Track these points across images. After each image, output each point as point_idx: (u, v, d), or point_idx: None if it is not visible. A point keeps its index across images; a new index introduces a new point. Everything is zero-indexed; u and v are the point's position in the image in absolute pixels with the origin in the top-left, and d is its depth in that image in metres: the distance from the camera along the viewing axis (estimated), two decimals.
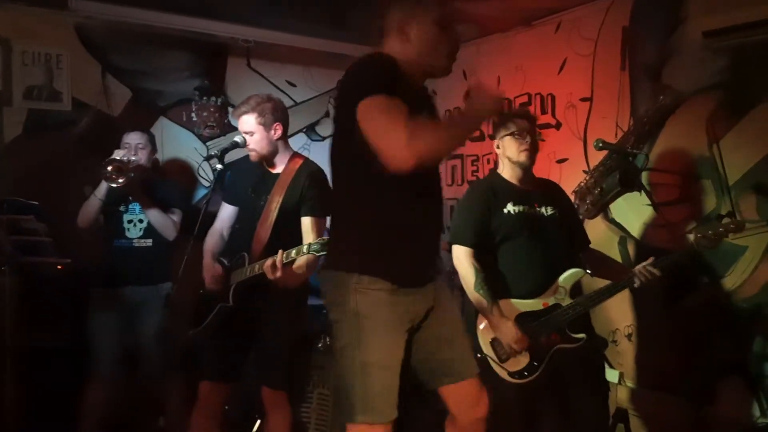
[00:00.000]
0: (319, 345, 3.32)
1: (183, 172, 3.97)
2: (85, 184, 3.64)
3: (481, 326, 2.53)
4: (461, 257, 2.57)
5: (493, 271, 2.55)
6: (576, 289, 2.55)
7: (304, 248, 2.30)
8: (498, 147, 2.65)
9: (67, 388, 3.20)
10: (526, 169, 2.60)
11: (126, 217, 3.25)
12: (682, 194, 3.01)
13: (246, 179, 2.61)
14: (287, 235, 2.50)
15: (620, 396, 3.16)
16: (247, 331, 2.57)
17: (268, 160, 2.62)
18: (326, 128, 4.49)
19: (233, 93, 4.13)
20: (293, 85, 4.33)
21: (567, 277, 2.52)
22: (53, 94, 3.66)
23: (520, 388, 2.46)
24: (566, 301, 2.49)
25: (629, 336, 3.20)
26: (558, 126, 3.62)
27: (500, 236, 2.55)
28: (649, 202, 2.84)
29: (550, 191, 2.71)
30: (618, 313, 3.23)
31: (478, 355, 2.52)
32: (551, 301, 2.49)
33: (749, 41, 2.71)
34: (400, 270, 1.73)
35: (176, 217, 3.25)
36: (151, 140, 3.38)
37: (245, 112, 2.56)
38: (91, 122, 3.71)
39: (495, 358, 2.48)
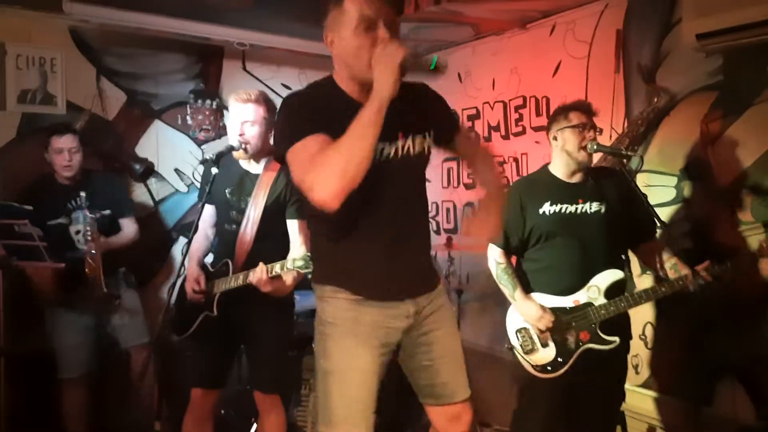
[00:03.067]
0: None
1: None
2: None
3: (508, 317, 2.55)
4: (490, 256, 2.58)
5: (527, 270, 2.55)
6: (615, 289, 2.45)
7: (288, 264, 2.29)
8: (555, 138, 2.53)
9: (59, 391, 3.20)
10: (584, 164, 2.50)
11: (72, 229, 3.20)
12: (677, 196, 3.02)
13: (225, 178, 2.52)
14: (271, 237, 2.48)
15: None
16: (233, 338, 2.56)
17: (255, 156, 2.53)
18: None
19: (228, 96, 4.06)
20: (288, 88, 4.33)
21: (602, 276, 2.43)
22: (47, 97, 3.66)
23: (548, 383, 2.45)
24: (599, 301, 2.42)
25: None
26: None
27: (535, 237, 2.50)
28: (645, 204, 2.84)
29: (603, 181, 2.56)
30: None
31: (506, 347, 2.55)
32: (583, 299, 2.43)
33: (742, 43, 2.71)
34: (359, 281, 1.70)
35: (132, 225, 3.35)
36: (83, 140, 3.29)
37: (252, 101, 2.47)
38: (85, 125, 3.70)
39: (519, 348, 2.49)
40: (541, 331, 2.45)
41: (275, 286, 2.35)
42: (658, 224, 2.50)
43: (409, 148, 1.71)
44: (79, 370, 3.17)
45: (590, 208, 2.49)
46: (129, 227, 3.36)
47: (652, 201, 2.90)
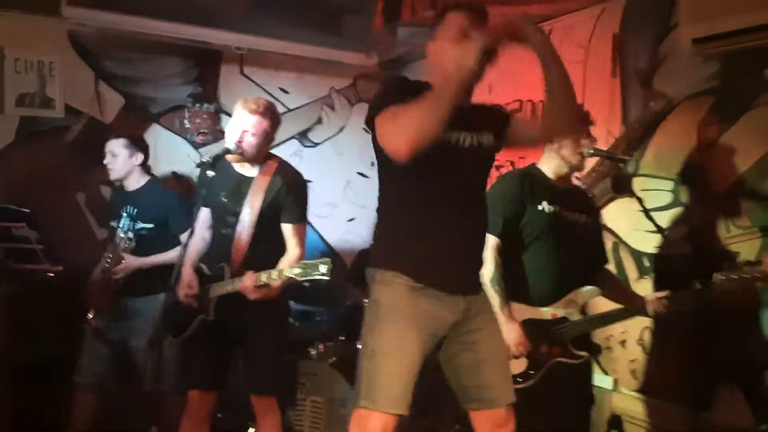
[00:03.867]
0: (313, 352, 3.31)
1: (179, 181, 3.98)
2: (77, 190, 3.66)
3: None
4: (487, 246, 2.50)
5: (513, 270, 2.50)
6: (591, 306, 2.49)
7: (286, 272, 2.30)
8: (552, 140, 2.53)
9: (58, 395, 3.19)
10: (576, 168, 2.52)
11: (118, 233, 3.21)
12: (673, 200, 3.02)
13: (221, 182, 2.52)
14: (267, 241, 2.49)
15: (615, 403, 3.17)
16: (229, 340, 2.57)
17: (250, 161, 2.53)
18: (318, 134, 4.51)
19: (226, 100, 4.15)
20: (286, 92, 4.34)
21: (583, 293, 2.45)
22: (46, 101, 3.67)
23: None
24: (575, 317, 2.43)
25: (623, 342, 3.19)
26: None
27: (528, 234, 2.49)
28: (641, 208, 2.85)
29: (582, 198, 2.64)
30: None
31: None
32: (560, 314, 2.44)
33: (738, 48, 2.72)
34: (421, 268, 1.80)
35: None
36: (141, 147, 3.25)
37: (259, 113, 2.48)
38: (83, 129, 3.71)
39: None
40: (518, 355, 2.44)
41: (262, 293, 2.36)
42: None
43: (474, 141, 1.88)
44: (96, 377, 3.15)
45: (577, 218, 2.51)
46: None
47: (648, 205, 2.92)
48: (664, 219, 3.01)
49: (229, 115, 4.08)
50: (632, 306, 2.49)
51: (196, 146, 4.08)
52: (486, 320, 1.92)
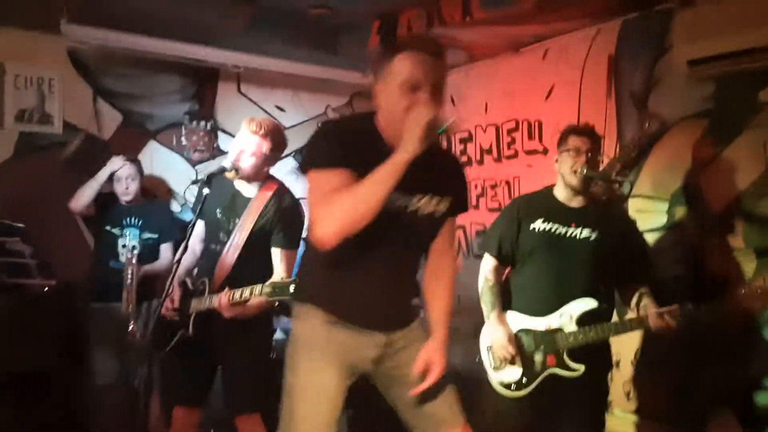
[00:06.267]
0: None
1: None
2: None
3: (483, 332, 2.60)
4: (482, 266, 2.63)
5: (511, 283, 2.59)
6: (588, 319, 2.42)
7: (257, 289, 2.28)
8: (556, 161, 2.53)
9: (51, 409, 3.18)
10: (577, 190, 2.46)
11: (120, 241, 3.35)
12: (668, 221, 3.01)
13: (217, 197, 2.53)
14: (253, 262, 2.48)
15: (609, 424, 3.13)
16: (208, 357, 2.56)
17: (247, 179, 2.53)
18: None
19: (223, 117, 4.17)
20: (282, 110, 4.36)
21: (576, 304, 2.43)
22: (45, 117, 3.69)
23: (512, 402, 2.49)
24: (570, 328, 2.42)
25: (617, 363, 3.16)
26: (545, 152, 3.63)
27: (522, 252, 2.53)
28: None
29: (604, 213, 2.53)
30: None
31: (477, 359, 2.61)
32: (554, 324, 2.45)
33: (733, 70, 2.73)
34: (337, 303, 1.75)
35: (169, 251, 3.46)
36: (139, 168, 3.52)
37: (259, 135, 2.48)
38: (81, 145, 3.73)
39: (488, 364, 2.56)
40: (502, 358, 2.49)
41: (236, 311, 2.36)
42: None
43: (422, 206, 1.75)
44: (114, 376, 3.25)
45: (580, 234, 2.47)
46: (166, 253, 3.48)
47: (643, 227, 2.90)
48: (659, 240, 3.00)
49: (226, 132, 4.14)
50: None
51: (193, 163, 4.10)
52: (414, 352, 1.80)
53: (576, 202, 2.51)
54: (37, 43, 3.62)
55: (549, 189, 2.59)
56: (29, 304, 3.28)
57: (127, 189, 3.42)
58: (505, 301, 2.58)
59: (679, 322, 2.27)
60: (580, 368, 2.41)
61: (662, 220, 3.02)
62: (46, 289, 3.13)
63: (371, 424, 3.17)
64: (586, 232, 2.46)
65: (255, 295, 2.28)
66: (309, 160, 1.70)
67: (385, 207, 1.58)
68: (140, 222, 3.41)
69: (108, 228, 3.39)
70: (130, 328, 3.07)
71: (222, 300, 2.34)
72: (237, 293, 2.33)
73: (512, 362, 2.48)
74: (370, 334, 1.77)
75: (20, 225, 2.96)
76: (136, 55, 3.72)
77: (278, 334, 3.48)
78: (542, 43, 3.67)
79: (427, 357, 1.77)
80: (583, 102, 3.44)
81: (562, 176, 2.50)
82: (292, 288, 2.14)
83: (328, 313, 1.75)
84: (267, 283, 2.27)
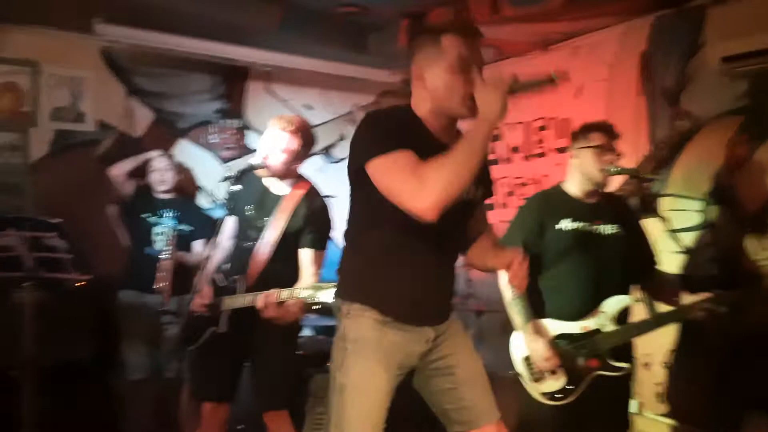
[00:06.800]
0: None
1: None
2: (107, 202, 3.74)
3: (513, 343, 2.48)
4: (504, 276, 2.47)
5: (536, 289, 2.46)
6: (624, 316, 2.41)
7: (295, 292, 2.30)
8: (574, 157, 2.49)
9: (87, 403, 3.25)
10: (600, 187, 2.44)
11: (155, 229, 3.43)
12: (701, 221, 2.97)
13: (248, 195, 2.55)
14: (285, 260, 2.49)
15: (639, 426, 3.10)
16: (238, 354, 2.57)
17: (279, 176, 2.56)
18: (342, 150, 4.54)
19: (252, 116, 4.22)
20: (310, 108, 4.39)
21: (611, 303, 2.39)
22: (79, 115, 3.78)
23: (553, 410, 2.40)
24: (608, 327, 2.37)
25: (648, 365, 3.13)
26: None
27: (551, 253, 2.44)
28: (667, 229, 2.80)
29: (617, 207, 2.55)
30: (637, 341, 3.16)
31: (510, 372, 2.49)
32: (591, 326, 2.39)
33: None
34: (391, 303, 1.75)
35: (201, 248, 3.53)
36: (174, 164, 3.65)
37: (289, 132, 2.50)
38: (114, 143, 3.80)
39: (527, 376, 2.44)
40: (545, 371, 2.40)
41: (279, 313, 2.36)
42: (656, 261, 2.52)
43: (471, 191, 1.79)
44: (146, 371, 3.31)
45: (607, 230, 2.44)
46: (198, 248, 3.55)
47: (675, 225, 2.86)
48: (692, 240, 2.96)
49: (255, 130, 4.18)
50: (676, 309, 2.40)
51: (222, 161, 4.15)
52: (457, 342, 1.86)
53: (593, 198, 2.48)
54: (71, 43, 3.71)
55: (559, 187, 2.55)
56: (66, 298, 3.37)
57: (162, 179, 3.51)
58: (535, 307, 2.47)
59: (715, 309, 2.25)
60: (626, 366, 2.37)
61: (695, 219, 2.98)
62: (81, 283, 3.22)
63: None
64: (610, 228, 2.44)
65: (295, 296, 2.29)
66: (374, 148, 1.65)
67: None
68: (176, 214, 3.51)
69: (144, 216, 3.48)
70: (164, 322, 3.12)
71: (269, 298, 2.33)
72: (284, 293, 2.32)
73: (553, 372, 2.40)
74: (421, 331, 1.79)
75: (56, 221, 3.01)
76: (167, 54, 3.78)
77: (306, 331, 3.53)
78: (572, 41, 3.64)
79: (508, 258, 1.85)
80: (613, 99, 3.41)
81: (581, 173, 2.46)
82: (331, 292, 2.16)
83: (380, 313, 1.74)
84: (308, 285, 2.29)
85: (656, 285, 2.54)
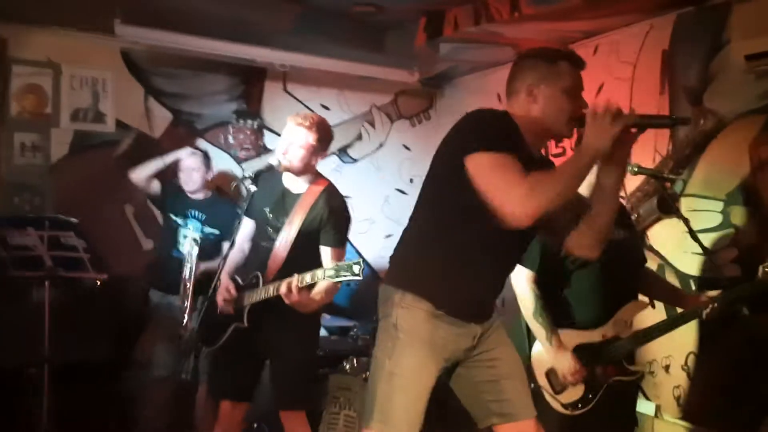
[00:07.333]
0: (347, 366, 3.31)
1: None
2: (126, 202, 3.78)
3: (535, 355, 2.43)
4: (522, 280, 2.41)
5: (555, 298, 2.41)
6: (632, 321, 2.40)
7: (319, 273, 2.29)
8: None
9: (104, 401, 3.28)
10: None
11: (182, 231, 3.41)
12: (723, 221, 2.91)
13: (266, 195, 2.57)
14: (304, 257, 2.49)
15: (657, 430, 3.05)
16: (261, 351, 2.58)
17: (297, 173, 2.56)
18: (357, 150, 4.55)
19: (269, 116, 4.23)
20: (327, 109, 4.39)
21: (628, 309, 2.39)
22: (98, 116, 3.82)
23: (571, 419, 2.38)
24: (626, 333, 2.37)
25: (667, 368, 3.08)
26: None
27: (573, 262, 2.38)
28: (688, 229, 2.74)
29: (620, 213, 2.47)
30: (656, 343, 3.10)
31: (532, 385, 2.38)
32: (611, 333, 2.37)
33: None
34: (446, 297, 1.80)
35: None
36: (205, 161, 3.56)
37: (306, 127, 2.52)
38: (133, 143, 3.83)
39: (549, 389, 2.39)
40: (572, 383, 2.35)
41: (301, 298, 2.35)
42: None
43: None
44: (169, 369, 3.31)
45: (619, 235, 2.36)
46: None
47: (696, 226, 2.80)
48: (712, 241, 2.90)
49: (272, 131, 4.19)
50: (682, 306, 2.42)
51: (239, 161, 4.16)
52: (498, 339, 1.94)
53: None
54: (91, 44, 3.75)
55: (578, 194, 2.50)
56: (84, 297, 3.41)
57: (190, 179, 3.46)
58: (552, 318, 2.40)
59: (728, 306, 2.26)
60: (641, 370, 2.38)
61: (717, 219, 2.92)
62: (99, 282, 3.25)
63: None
64: (622, 233, 2.38)
65: (318, 278, 2.29)
66: (483, 142, 1.69)
67: None
68: (204, 216, 3.45)
69: (172, 215, 3.47)
70: (184, 322, 3.12)
71: (292, 283, 2.31)
72: (308, 276, 2.30)
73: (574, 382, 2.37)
74: (470, 327, 1.86)
75: (74, 220, 3.05)
76: (185, 54, 3.81)
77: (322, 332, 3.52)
78: (592, 39, 3.59)
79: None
80: (634, 98, 3.35)
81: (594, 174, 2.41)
82: (356, 268, 2.18)
83: (435, 306, 1.80)
84: (329, 266, 2.29)
85: (647, 284, 2.57)
